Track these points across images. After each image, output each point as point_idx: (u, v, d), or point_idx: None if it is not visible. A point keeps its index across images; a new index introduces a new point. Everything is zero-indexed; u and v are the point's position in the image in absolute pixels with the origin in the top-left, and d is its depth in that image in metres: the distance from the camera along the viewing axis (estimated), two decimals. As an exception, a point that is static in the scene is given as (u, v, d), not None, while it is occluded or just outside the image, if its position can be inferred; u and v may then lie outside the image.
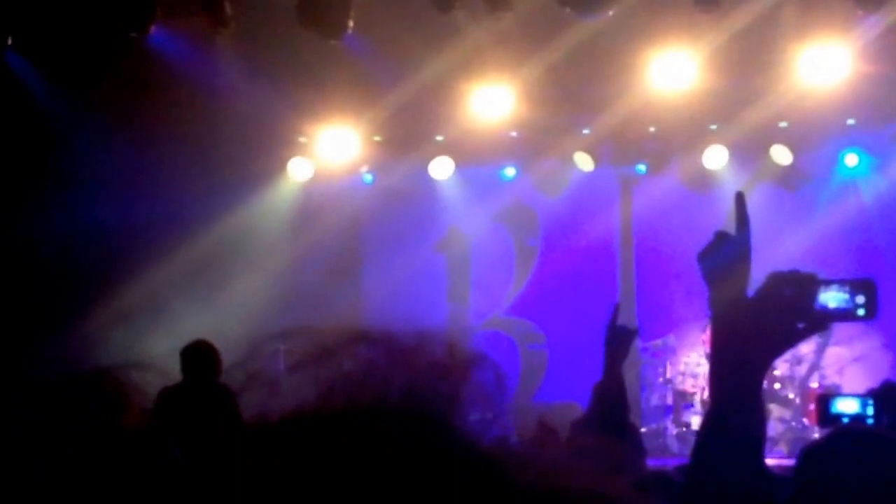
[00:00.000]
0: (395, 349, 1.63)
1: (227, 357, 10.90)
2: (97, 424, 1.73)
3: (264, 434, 1.48)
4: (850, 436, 3.45)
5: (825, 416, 4.23)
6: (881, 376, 11.71)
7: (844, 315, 3.03)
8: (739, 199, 3.11)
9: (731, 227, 3.11)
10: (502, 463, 1.47)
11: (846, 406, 4.14)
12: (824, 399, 4.24)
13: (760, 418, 2.94)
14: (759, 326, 2.88)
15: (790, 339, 2.94)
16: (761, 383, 2.94)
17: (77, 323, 13.15)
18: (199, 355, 9.74)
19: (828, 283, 2.98)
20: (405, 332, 1.65)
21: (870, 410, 3.90)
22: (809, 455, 3.38)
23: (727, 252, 3.05)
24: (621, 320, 5.48)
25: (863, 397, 3.98)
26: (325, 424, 1.47)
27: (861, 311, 3.03)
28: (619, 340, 5.33)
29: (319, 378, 1.59)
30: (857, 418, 4.04)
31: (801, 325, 2.91)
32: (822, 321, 2.94)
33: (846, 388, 13.11)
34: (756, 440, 2.93)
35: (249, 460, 1.43)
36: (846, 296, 3.01)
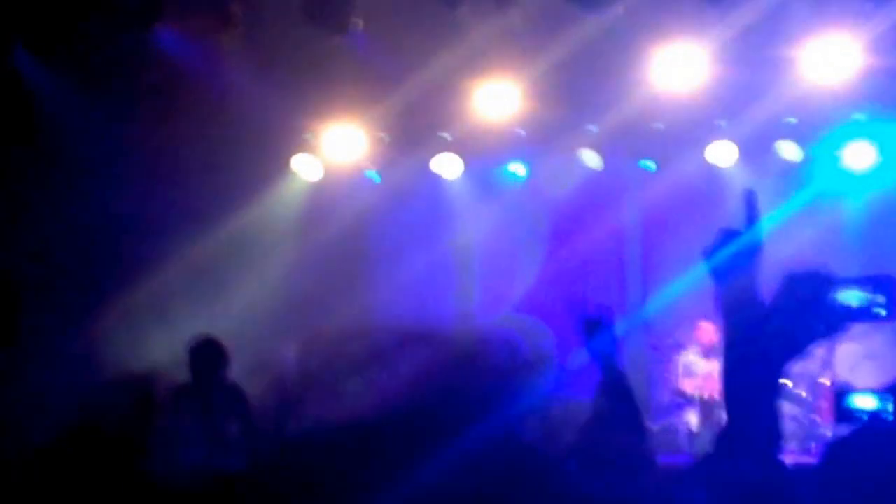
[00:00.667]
0: (455, 351, 1.62)
1: (236, 356, 10.95)
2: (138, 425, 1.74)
3: (327, 440, 1.47)
4: (876, 434, 3.45)
5: (841, 410, 4.21)
6: (893, 373, 11.71)
7: (864, 315, 3.02)
8: (749, 196, 3.10)
9: (738, 223, 3.10)
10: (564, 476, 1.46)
11: (863, 402, 4.12)
12: (840, 394, 4.21)
13: (778, 414, 2.94)
14: (778, 327, 2.87)
15: (810, 340, 2.93)
16: (780, 381, 2.94)
17: (84, 321, 13.16)
18: (206, 352, 9.76)
19: (847, 282, 2.97)
20: (463, 332, 1.64)
21: (889, 406, 3.88)
22: (834, 451, 3.38)
23: (735, 249, 3.04)
24: (631, 318, 5.45)
25: (881, 393, 3.95)
26: (386, 428, 1.47)
27: (881, 311, 3.02)
28: (592, 331, 5.27)
29: (376, 382, 1.57)
30: (875, 414, 4.02)
31: (820, 326, 2.90)
32: (841, 321, 2.93)
33: (858, 386, 13.09)
34: (772, 436, 2.93)
35: (310, 467, 1.43)
36: (866, 295, 3.00)
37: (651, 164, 15.73)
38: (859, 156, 15.04)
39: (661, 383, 15.24)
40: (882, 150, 15.00)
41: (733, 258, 3.05)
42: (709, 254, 3.07)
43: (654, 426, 14.38)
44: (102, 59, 12.30)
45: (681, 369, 14.74)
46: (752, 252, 3.03)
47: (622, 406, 4.97)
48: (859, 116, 14.68)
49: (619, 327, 5.32)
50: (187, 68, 13.15)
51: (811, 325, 2.91)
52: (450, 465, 1.49)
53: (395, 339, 1.59)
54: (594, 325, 5.24)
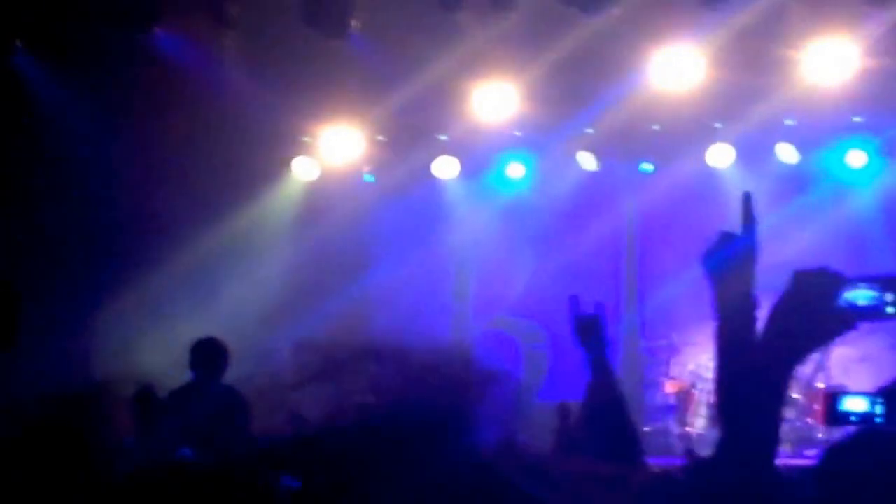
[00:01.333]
0: (407, 366, 1.66)
1: (234, 357, 11.01)
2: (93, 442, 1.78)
3: (272, 450, 1.53)
4: (875, 437, 3.48)
5: (833, 414, 4.22)
6: (888, 376, 11.76)
7: (873, 313, 3.03)
8: (746, 199, 3.13)
9: (736, 226, 3.14)
10: (507, 482, 1.51)
11: (855, 404, 4.13)
12: (832, 397, 4.22)
13: (778, 419, 2.96)
14: (785, 327, 2.90)
15: (818, 340, 2.95)
16: (787, 384, 2.96)
17: (81, 320, 13.21)
18: (209, 352, 9.79)
19: (856, 281, 2.99)
20: (419, 348, 1.68)
21: (879, 409, 3.90)
22: (833, 455, 3.41)
23: (732, 252, 3.08)
24: (624, 319, 5.48)
25: (872, 395, 3.97)
26: (331, 443, 1.52)
27: (890, 309, 3.04)
28: (586, 330, 5.29)
29: (326, 395, 1.63)
30: (866, 417, 4.04)
31: (829, 325, 2.92)
32: (849, 320, 2.95)
33: (852, 388, 13.14)
34: (771, 441, 2.96)
35: (255, 475, 1.48)
36: (875, 294, 3.01)
37: (649, 167, 15.78)
38: (857, 157, 15.14)
39: (655, 385, 15.28)
40: (877, 153, 15.09)
41: (730, 262, 3.09)
42: (706, 257, 3.11)
43: (646, 428, 14.43)
44: (101, 62, 12.35)
45: (692, 370, 14.69)
46: (749, 255, 3.07)
47: (612, 408, 5.00)
48: (857, 119, 14.72)
49: (614, 329, 5.36)
50: (185, 70, 13.20)
51: (820, 325, 2.94)
52: (401, 484, 1.54)
53: (346, 352, 1.65)
54: (589, 324, 5.26)
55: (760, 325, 2.90)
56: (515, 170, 16.15)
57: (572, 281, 16.13)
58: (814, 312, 2.89)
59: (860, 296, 3.01)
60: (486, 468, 1.57)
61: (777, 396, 2.91)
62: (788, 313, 2.90)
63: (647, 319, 15.86)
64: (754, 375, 2.88)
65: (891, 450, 3.36)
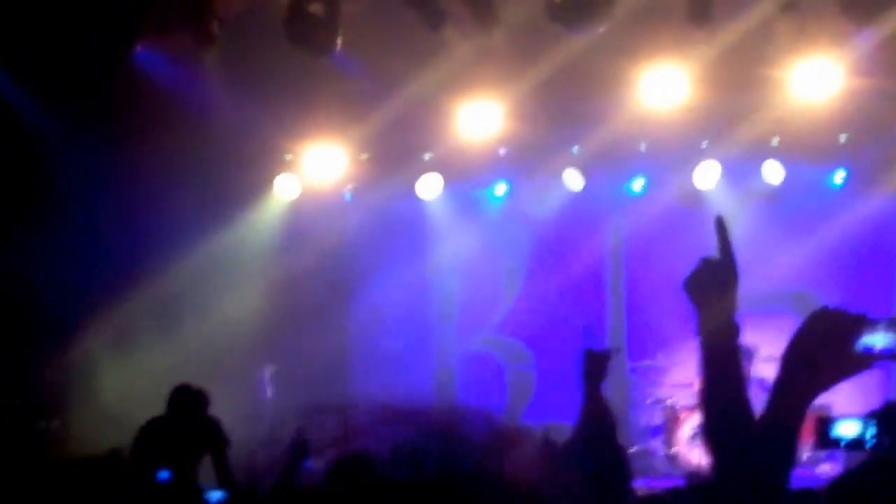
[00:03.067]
0: (430, 427, 1.67)
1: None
2: None
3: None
4: (880, 468, 3.50)
5: (825, 439, 4.23)
6: (873, 394, 11.78)
7: (889, 356, 3.05)
8: (720, 224, 3.17)
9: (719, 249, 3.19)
10: None
11: (847, 429, 4.14)
12: (824, 422, 4.24)
13: (793, 451, 2.98)
14: (802, 365, 2.93)
15: (832, 379, 2.98)
16: (803, 418, 2.98)
17: (64, 340, 13.18)
18: (183, 400, 9.75)
19: (874, 323, 3.01)
20: (442, 410, 1.69)
21: (870, 433, 3.92)
22: (838, 489, 3.42)
23: (714, 277, 3.12)
24: (611, 340, 5.52)
25: (864, 419, 3.99)
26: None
27: None
28: (593, 363, 5.36)
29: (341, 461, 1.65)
30: (858, 441, 4.05)
31: (844, 366, 2.95)
32: (865, 362, 2.98)
33: (838, 407, 13.15)
34: (784, 457, 2.97)
35: None
36: (892, 337, 3.04)
37: (637, 186, 15.79)
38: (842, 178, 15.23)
39: (640, 406, 15.28)
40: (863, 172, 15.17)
41: (712, 287, 3.13)
42: (688, 283, 3.15)
43: (631, 449, 14.44)
44: (80, 81, 12.35)
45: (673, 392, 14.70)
46: (729, 279, 3.11)
47: (600, 434, 5.04)
48: (843, 137, 14.79)
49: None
50: (167, 88, 13.20)
51: (836, 365, 2.97)
52: None
53: (369, 416, 1.67)
54: (599, 359, 5.31)
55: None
56: (500, 189, 16.17)
57: (558, 301, 16.17)
58: (831, 353, 2.91)
59: (878, 339, 3.03)
60: None
61: (793, 430, 2.93)
62: (806, 350, 2.92)
63: (633, 339, 15.87)
64: (772, 407, 2.91)
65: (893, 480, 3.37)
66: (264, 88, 13.45)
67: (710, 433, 3.09)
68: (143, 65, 12.84)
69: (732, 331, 3.09)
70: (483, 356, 16.51)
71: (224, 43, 12.31)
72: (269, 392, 14.54)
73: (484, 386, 16.22)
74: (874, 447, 3.88)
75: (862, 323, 2.97)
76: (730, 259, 3.14)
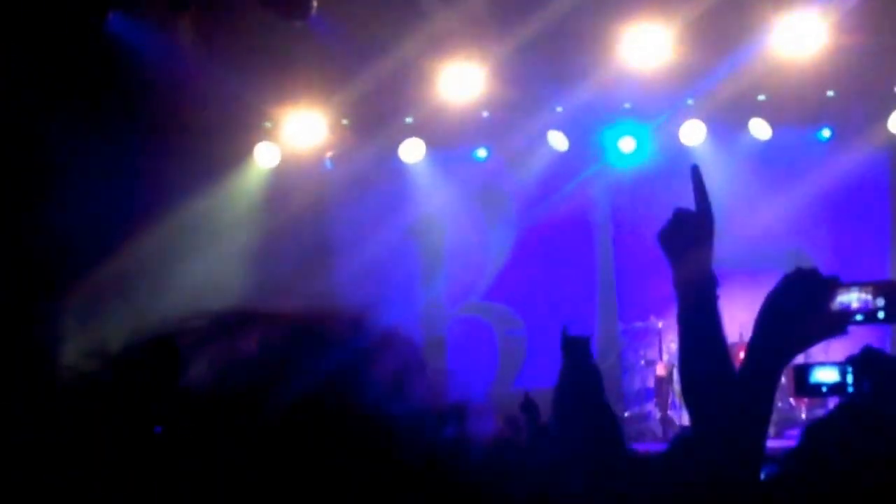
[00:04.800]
0: (294, 329, 1.64)
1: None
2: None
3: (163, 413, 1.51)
4: (851, 413, 3.46)
5: (803, 386, 4.22)
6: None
7: (865, 317, 3.04)
8: (695, 173, 3.12)
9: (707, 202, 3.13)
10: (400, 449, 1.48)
11: (825, 375, 4.13)
12: (801, 369, 4.23)
13: (768, 415, 2.96)
14: (776, 327, 2.89)
15: (808, 341, 2.95)
16: (778, 381, 2.96)
17: (41, 310, 13.09)
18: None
19: (849, 285, 2.99)
20: (309, 311, 1.66)
21: (849, 378, 3.90)
22: (811, 433, 3.39)
23: (688, 229, 3.07)
24: (601, 301, 5.41)
25: (841, 365, 3.97)
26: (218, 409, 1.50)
27: (881, 314, 3.05)
28: (573, 349, 5.27)
29: (214, 359, 1.61)
30: (837, 387, 4.04)
31: (819, 328, 2.93)
32: (840, 322, 2.96)
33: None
34: (760, 418, 2.95)
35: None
36: (867, 297, 3.02)
37: (622, 146, 15.71)
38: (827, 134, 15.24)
39: (634, 369, 15.28)
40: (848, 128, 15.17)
41: (687, 239, 3.08)
42: (662, 236, 3.10)
43: (626, 413, 14.45)
44: (54, 49, 12.25)
45: (672, 349, 14.69)
46: (705, 231, 3.06)
47: (593, 399, 4.97)
48: (830, 93, 14.76)
49: (590, 311, 5.34)
50: (142, 55, 13.11)
51: (811, 327, 2.94)
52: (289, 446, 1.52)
53: (235, 316, 1.63)
54: (575, 345, 5.24)
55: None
56: (483, 152, 16.13)
57: (547, 264, 16.15)
58: (805, 314, 2.89)
59: (853, 299, 3.02)
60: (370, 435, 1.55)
61: (768, 393, 2.91)
62: (779, 313, 2.90)
63: (624, 301, 15.85)
64: (747, 369, 2.88)
65: (869, 424, 3.34)
66: (241, 54, 13.37)
67: (689, 390, 3.06)
68: (117, 32, 12.75)
69: (710, 283, 3.05)
70: (472, 321, 16.49)
71: (199, 8, 12.21)
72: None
73: (474, 351, 16.21)
74: (854, 393, 3.86)
75: (836, 284, 2.95)
76: (706, 210, 3.10)
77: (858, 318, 3.04)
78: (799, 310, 2.92)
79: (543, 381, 5.95)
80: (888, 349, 14.42)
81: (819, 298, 2.92)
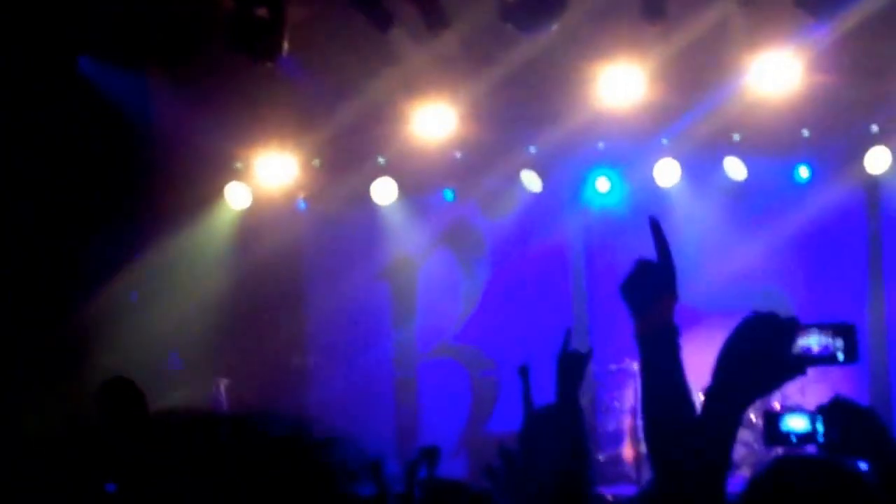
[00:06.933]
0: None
1: (162, 391, 10.94)
2: None
3: None
4: (796, 465, 3.50)
5: (774, 434, 4.26)
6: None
7: (824, 359, 3.08)
8: (655, 226, 3.14)
9: (674, 249, 3.16)
10: None
11: (795, 423, 4.16)
12: (772, 417, 4.26)
13: (728, 457, 2.99)
14: (736, 371, 2.92)
15: (769, 385, 2.98)
16: (738, 425, 2.99)
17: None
18: (119, 392, 9.60)
19: (807, 327, 3.03)
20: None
21: (820, 427, 3.94)
22: (755, 485, 3.43)
23: (650, 279, 3.10)
24: (575, 344, 5.44)
25: (811, 413, 4.01)
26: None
27: (841, 356, 3.09)
28: (571, 365, 5.31)
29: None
30: (807, 436, 4.08)
31: (779, 371, 2.96)
32: (800, 366, 2.99)
33: (809, 409, 13.22)
34: (720, 463, 2.97)
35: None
36: (827, 340, 3.06)
37: (598, 186, 15.72)
38: (805, 174, 15.26)
39: (609, 411, 15.27)
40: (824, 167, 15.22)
41: (648, 290, 3.12)
42: (624, 287, 3.13)
43: (599, 456, 14.44)
44: (26, 91, 12.27)
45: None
46: (667, 282, 3.10)
47: (572, 440, 5.00)
48: (805, 132, 14.84)
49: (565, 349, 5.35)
50: (112, 97, 13.13)
51: (771, 370, 2.98)
52: None
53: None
54: (576, 362, 5.27)
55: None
56: (456, 193, 16.13)
57: (520, 306, 16.15)
58: (764, 358, 2.92)
59: (813, 342, 3.06)
60: None
61: (727, 437, 2.93)
62: (739, 357, 2.93)
63: (598, 343, 15.84)
64: (706, 415, 2.91)
65: (813, 478, 3.38)
66: (211, 95, 13.40)
67: (651, 437, 3.09)
68: (88, 74, 12.78)
69: (671, 334, 3.08)
70: (444, 363, 16.48)
71: (169, 51, 12.26)
72: (225, 405, 14.47)
73: (446, 393, 16.20)
74: (824, 443, 3.90)
75: (795, 327, 2.99)
76: (667, 261, 3.13)
77: (817, 360, 3.08)
78: (757, 353, 2.95)
79: (517, 423, 5.97)
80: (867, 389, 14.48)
81: (777, 342, 2.96)
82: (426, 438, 14.86)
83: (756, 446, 14.01)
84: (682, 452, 2.94)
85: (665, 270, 3.12)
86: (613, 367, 15.13)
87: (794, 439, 4.09)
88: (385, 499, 5.25)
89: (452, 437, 15.54)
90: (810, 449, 4.03)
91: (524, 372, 5.99)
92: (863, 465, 3.69)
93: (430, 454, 6.06)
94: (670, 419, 3.01)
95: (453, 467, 13.28)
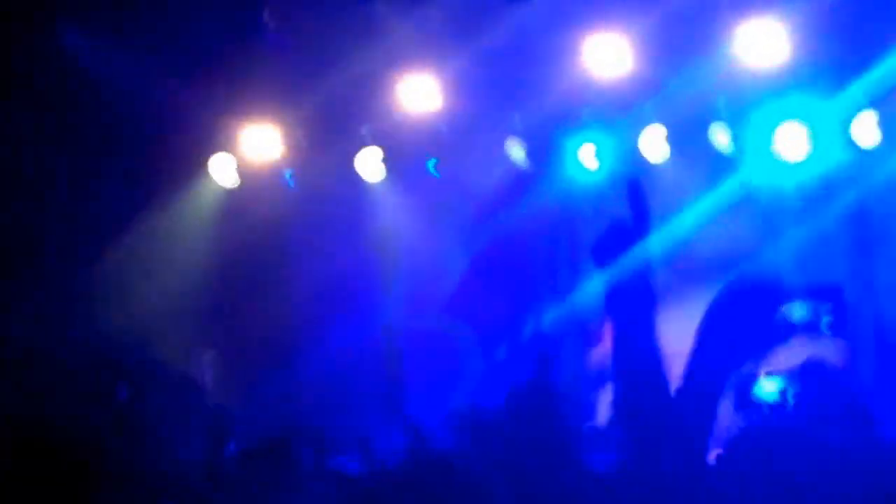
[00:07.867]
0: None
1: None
2: None
3: None
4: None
5: (744, 399, 4.25)
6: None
7: (808, 329, 3.07)
8: (633, 188, 3.12)
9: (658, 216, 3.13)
10: None
11: (768, 386, 4.16)
12: (745, 380, 4.25)
13: (711, 427, 2.97)
14: (720, 338, 2.90)
15: (753, 352, 2.96)
16: (722, 391, 2.97)
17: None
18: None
19: (792, 294, 3.02)
20: None
21: (791, 390, 3.94)
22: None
23: (625, 242, 3.07)
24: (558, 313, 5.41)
25: (784, 376, 4.00)
26: None
27: (826, 323, 3.08)
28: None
29: None
30: (779, 399, 4.07)
31: (763, 339, 2.93)
32: (784, 335, 2.98)
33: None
34: (701, 430, 2.97)
35: None
36: (811, 309, 3.05)
37: (580, 155, 15.68)
38: (792, 143, 15.16)
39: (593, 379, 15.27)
40: (814, 136, 15.15)
41: (621, 253, 3.08)
42: (595, 249, 3.10)
43: (583, 425, 14.44)
44: (6, 61, 12.22)
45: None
46: (640, 243, 3.07)
47: (550, 407, 4.98)
48: (790, 97, 14.80)
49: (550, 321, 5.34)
50: (94, 68, 13.09)
51: (755, 338, 2.95)
52: None
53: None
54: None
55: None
56: (441, 163, 16.09)
57: (506, 276, 16.14)
58: (749, 325, 2.89)
59: (796, 311, 3.05)
60: None
61: (711, 401, 2.91)
62: (723, 324, 2.89)
63: (585, 319, 15.83)
64: (688, 381, 2.88)
65: (788, 437, 3.38)
66: (195, 69, 13.36)
67: (621, 404, 3.06)
68: (68, 45, 12.72)
69: (646, 300, 3.06)
70: (430, 334, 16.46)
71: (150, 21, 12.22)
72: (209, 378, 14.45)
73: (432, 365, 16.20)
74: (796, 404, 3.89)
75: (778, 292, 2.95)
76: (643, 224, 3.10)
77: (801, 327, 3.08)
78: (743, 320, 2.92)
79: (502, 398, 5.98)
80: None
81: (761, 307, 2.92)
82: (414, 410, 14.89)
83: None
84: (659, 419, 2.91)
85: (638, 232, 3.09)
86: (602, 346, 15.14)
87: (766, 402, 4.08)
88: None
89: (440, 408, 15.54)
90: (780, 413, 4.02)
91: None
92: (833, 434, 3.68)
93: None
94: (643, 384, 2.99)
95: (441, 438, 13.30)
